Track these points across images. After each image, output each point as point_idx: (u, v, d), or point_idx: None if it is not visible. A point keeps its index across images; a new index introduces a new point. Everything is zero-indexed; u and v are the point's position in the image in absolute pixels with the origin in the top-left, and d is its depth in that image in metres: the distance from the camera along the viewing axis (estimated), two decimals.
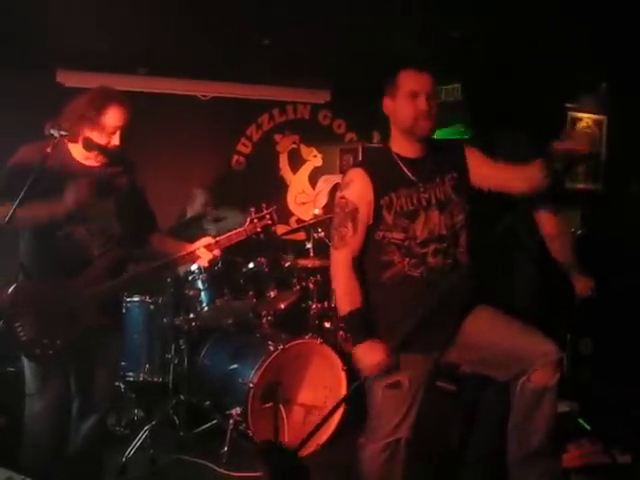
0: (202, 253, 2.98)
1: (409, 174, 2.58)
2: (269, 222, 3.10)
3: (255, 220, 3.08)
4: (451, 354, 2.69)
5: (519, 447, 2.67)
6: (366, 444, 2.69)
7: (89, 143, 2.71)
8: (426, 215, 2.56)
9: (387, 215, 2.55)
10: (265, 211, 3.11)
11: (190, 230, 4.07)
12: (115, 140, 2.76)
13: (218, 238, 3.04)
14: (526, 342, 2.60)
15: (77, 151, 2.78)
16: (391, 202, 2.54)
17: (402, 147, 2.61)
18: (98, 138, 2.72)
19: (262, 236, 3.10)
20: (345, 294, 2.59)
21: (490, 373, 2.76)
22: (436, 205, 2.58)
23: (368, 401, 2.68)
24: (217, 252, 3.03)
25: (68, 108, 2.75)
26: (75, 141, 2.71)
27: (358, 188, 2.55)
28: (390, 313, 2.59)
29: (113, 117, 2.73)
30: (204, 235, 3.11)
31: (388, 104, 2.61)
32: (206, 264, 3.17)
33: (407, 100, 2.53)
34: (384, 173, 2.57)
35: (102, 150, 2.75)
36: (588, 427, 3.83)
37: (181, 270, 4.18)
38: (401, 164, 2.59)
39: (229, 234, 3.05)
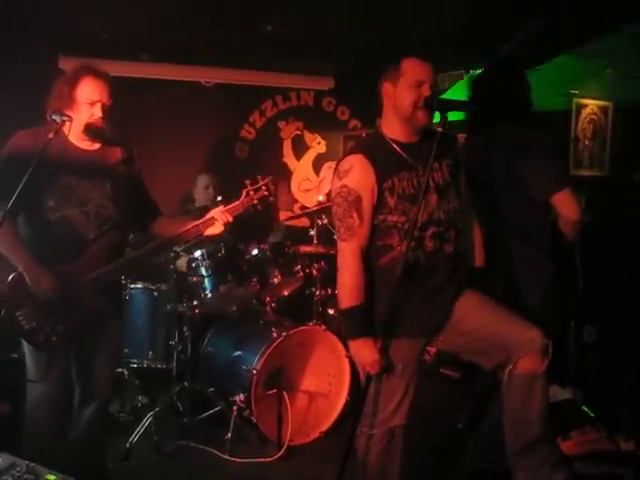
0: (218, 216, 2.88)
1: (408, 158, 2.55)
2: (266, 193, 3.01)
3: (251, 192, 3.00)
4: (440, 339, 2.69)
5: (517, 438, 2.67)
6: (362, 432, 2.65)
7: (89, 126, 2.70)
8: (425, 199, 2.52)
9: (390, 198, 2.51)
10: (261, 182, 3.02)
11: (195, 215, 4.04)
12: (97, 113, 2.68)
13: (215, 209, 2.94)
14: (510, 329, 2.60)
15: (72, 135, 2.72)
16: (393, 185, 2.51)
17: (397, 132, 2.58)
18: (78, 115, 2.67)
19: (259, 208, 3.01)
20: (352, 289, 2.51)
21: (477, 360, 2.76)
22: (435, 189, 2.56)
23: (363, 387, 2.64)
24: (230, 218, 2.92)
25: (50, 93, 2.72)
26: (62, 125, 2.63)
27: (359, 174, 2.49)
28: (385, 298, 2.53)
29: (87, 90, 2.67)
30: None
31: (388, 89, 2.56)
32: (222, 229, 2.96)
33: (411, 88, 2.49)
34: (383, 157, 2.52)
35: (101, 134, 2.74)
36: (592, 414, 3.83)
37: (185, 258, 4.18)
38: (397, 148, 2.56)
39: (225, 208, 2.95)
